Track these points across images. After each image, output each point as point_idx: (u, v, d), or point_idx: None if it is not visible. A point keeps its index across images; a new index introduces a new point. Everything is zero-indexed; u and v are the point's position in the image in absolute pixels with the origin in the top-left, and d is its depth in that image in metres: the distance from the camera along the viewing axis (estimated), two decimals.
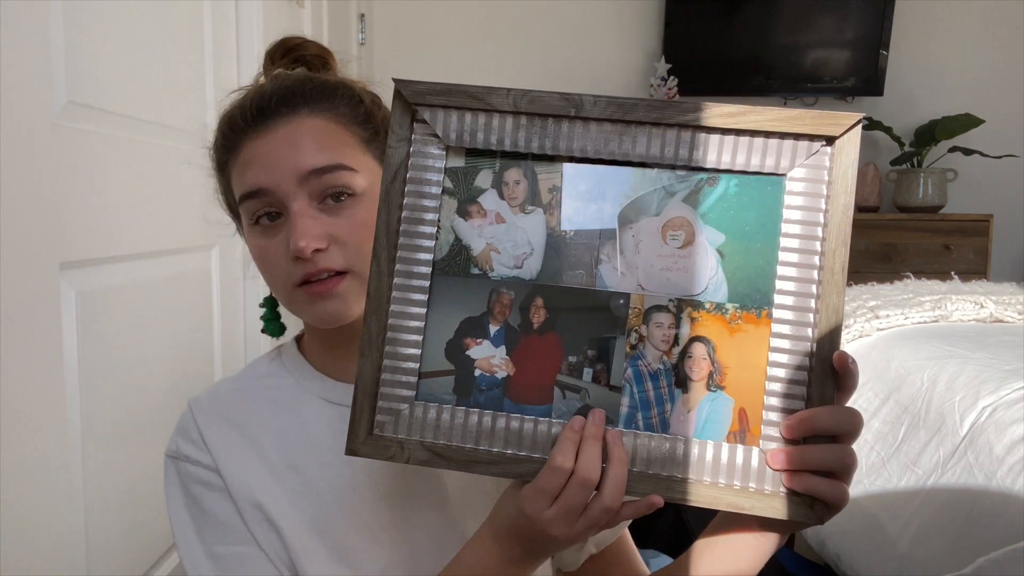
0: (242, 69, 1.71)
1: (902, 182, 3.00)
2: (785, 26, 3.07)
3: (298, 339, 0.77)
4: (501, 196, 0.55)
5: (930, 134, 2.94)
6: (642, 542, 0.82)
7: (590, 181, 0.55)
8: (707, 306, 0.53)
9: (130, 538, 1.23)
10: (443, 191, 0.56)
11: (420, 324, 0.55)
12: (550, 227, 0.55)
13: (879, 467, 1.17)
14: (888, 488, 1.13)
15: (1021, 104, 3.13)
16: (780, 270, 0.53)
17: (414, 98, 0.55)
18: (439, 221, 0.55)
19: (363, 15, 2.92)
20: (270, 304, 0.75)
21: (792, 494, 0.51)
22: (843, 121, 0.51)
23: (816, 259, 0.52)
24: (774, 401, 0.52)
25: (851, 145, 0.52)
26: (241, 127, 0.65)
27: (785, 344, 0.52)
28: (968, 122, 2.90)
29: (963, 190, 3.11)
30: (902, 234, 2.84)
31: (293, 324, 0.77)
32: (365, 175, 0.65)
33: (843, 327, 1.45)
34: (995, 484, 0.95)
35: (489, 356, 0.55)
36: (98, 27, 1.12)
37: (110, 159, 1.16)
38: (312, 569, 0.65)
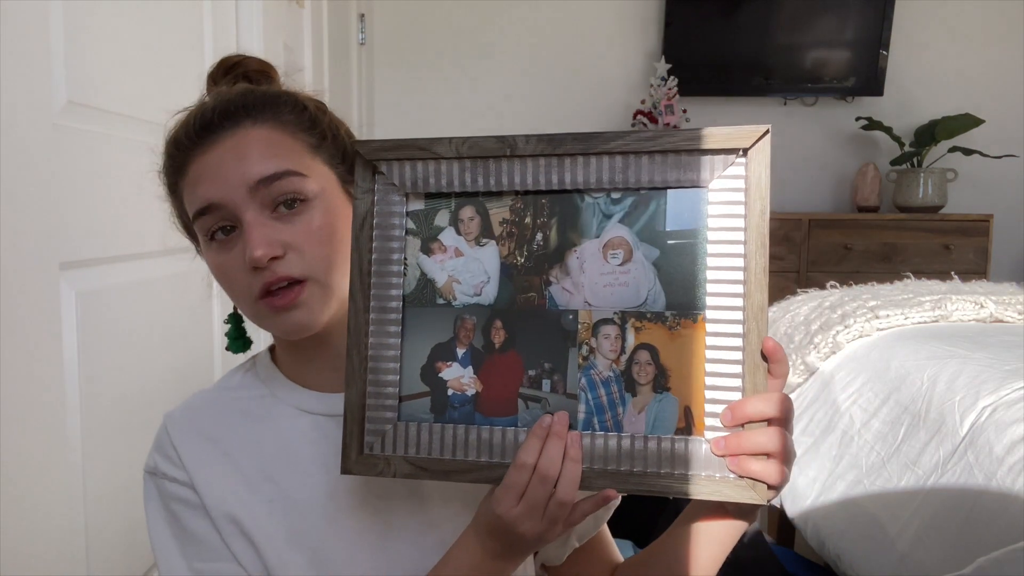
0: None
1: (902, 182, 3.01)
2: (785, 26, 3.07)
3: (271, 349, 0.76)
4: (458, 232, 0.62)
5: (930, 134, 2.94)
6: (643, 542, 0.83)
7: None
8: (648, 316, 0.59)
9: (130, 538, 1.23)
10: (406, 232, 0.62)
11: (396, 353, 0.62)
12: (503, 256, 0.61)
13: (879, 467, 1.17)
14: (888, 488, 1.13)
15: (1021, 104, 3.13)
16: (709, 275, 0.58)
17: (371, 155, 0.61)
18: (405, 259, 0.62)
19: (363, 15, 2.92)
20: (235, 320, 0.75)
21: (737, 478, 0.56)
22: (752, 134, 0.56)
23: (740, 262, 0.57)
24: (714, 395, 0.57)
25: (762, 154, 0.56)
26: (186, 145, 0.65)
27: (719, 342, 0.58)
28: (968, 122, 2.90)
29: (963, 190, 3.11)
30: (902, 234, 2.84)
31: (262, 337, 0.76)
32: (315, 179, 0.65)
33: (845, 325, 1.45)
34: (995, 484, 0.96)
35: (459, 376, 0.61)
36: (98, 27, 1.12)
37: (110, 159, 1.16)
38: None
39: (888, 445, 1.18)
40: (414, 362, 0.61)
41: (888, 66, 3.05)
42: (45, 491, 1.00)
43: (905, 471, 1.12)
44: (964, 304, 1.50)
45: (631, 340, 0.59)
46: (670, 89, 2.95)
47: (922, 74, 3.14)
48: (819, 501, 1.25)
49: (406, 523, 0.68)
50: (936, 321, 1.48)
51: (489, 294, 0.61)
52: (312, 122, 0.68)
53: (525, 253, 0.61)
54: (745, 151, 0.57)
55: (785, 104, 3.19)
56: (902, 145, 2.99)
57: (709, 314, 0.58)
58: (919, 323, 1.47)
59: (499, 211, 0.61)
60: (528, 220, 0.61)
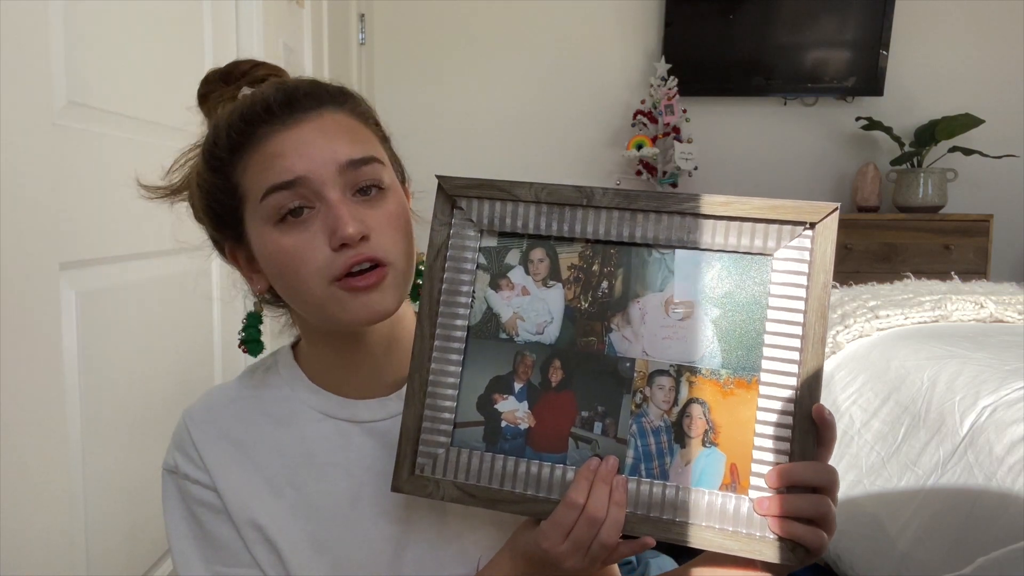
0: None
1: (902, 182, 3.00)
2: (785, 26, 3.07)
3: (293, 347, 0.75)
4: (527, 272, 0.64)
5: (930, 134, 2.94)
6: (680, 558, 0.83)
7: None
8: (703, 372, 0.60)
9: (130, 539, 1.23)
10: (477, 267, 0.65)
11: (456, 380, 0.64)
12: (568, 299, 0.63)
13: (879, 467, 1.17)
14: (888, 488, 1.13)
15: (1021, 104, 3.13)
16: (767, 339, 0.60)
17: (453, 191, 0.64)
18: (474, 292, 0.65)
19: (363, 15, 2.92)
20: (254, 321, 0.73)
21: (776, 539, 0.57)
22: (822, 209, 0.58)
23: (798, 329, 0.59)
24: (761, 456, 0.59)
25: (829, 229, 0.59)
26: (263, 119, 0.62)
27: (771, 405, 0.59)
28: (968, 122, 2.90)
29: (963, 190, 3.11)
30: (902, 234, 2.84)
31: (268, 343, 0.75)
32: (389, 170, 0.66)
33: (845, 325, 1.45)
34: (995, 484, 0.95)
35: (514, 410, 0.63)
36: (98, 27, 1.12)
37: (110, 159, 1.16)
38: None
39: (888, 445, 1.18)
40: (472, 391, 0.63)
41: (888, 66, 3.05)
42: (45, 491, 1.00)
43: (905, 471, 1.12)
44: (964, 304, 1.50)
45: (684, 393, 0.61)
46: (670, 89, 2.95)
47: (922, 74, 3.14)
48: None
49: (426, 533, 0.68)
50: (936, 321, 1.48)
51: (551, 334, 0.63)
52: (376, 119, 0.70)
53: (589, 299, 0.63)
54: (812, 225, 0.59)
55: (785, 104, 3.19)
56: (902, 145, 2.99)
57: (763, 376, 0.59)
58: (919, 323, 1.46)
59: (568, 256, 0.64)
60: (595, 267, 0.63)
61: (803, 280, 0.59)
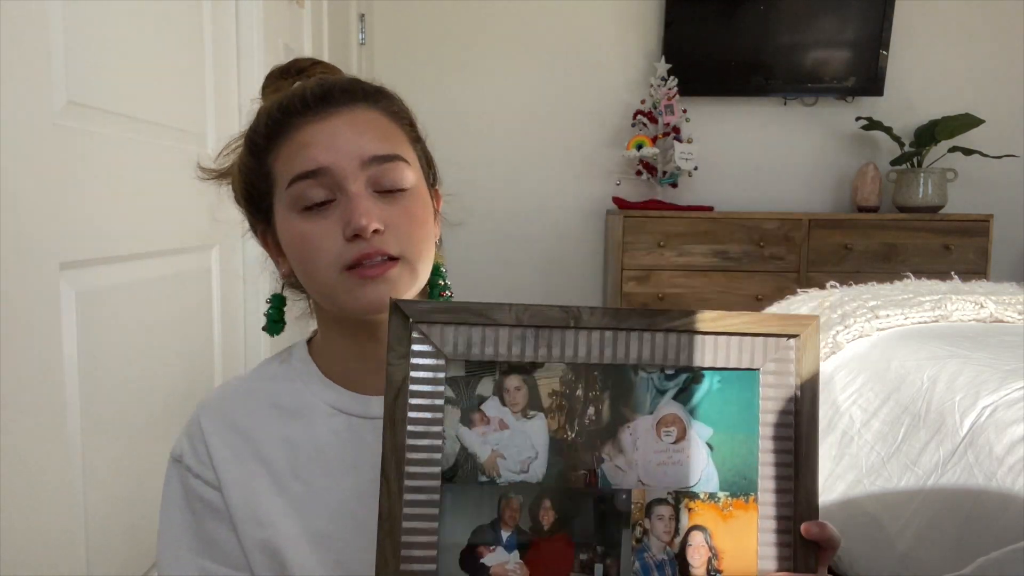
0: (242, 69, 1.71)
1: (902, 182, 3.00)
2: (785, 26, 3.07)
3: (308, 342, 0.76)
4: (503, 403, 0.57)
5: (930, 134, 2.94)
6: None
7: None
8: (702, 496, 0.58)
9: (130, 538, 1.23)
10: (445, 400, 0.57)
11: (433, 539, 0.56)
12: (552, 430, 0.57)
13: (879, 467, 1.17)
14: (888, 488, 1.13)
15: (1021, 104, 3.13)
16: (761, 456, 0.58)
17: (420, 316, 0.57)
18: (443, 432, 0.57)
19: (363, 15, 2.92)
20: (278, 302, 0.75)
21: None
22: (804, 321, 0.59)
23: (790, 444, 0.58)
24: None
25: (812, 340, 0.59)
26: (299, 110, 0.65)
27: (770, 524, 0.58)
28: (968, 122, 2.90)
29: (963, 190, 3.11)
30: (902, 234, 2.84)
31: (291, 330, 0.76)
32: (414, 171, 0.68)
33: (845, 325, 1.45)
34: (995, 484, 0.96)
35: (503, 562, 0.56)
36: (98, 27, 1.12)
37: (110, 159, 1.16)
38: None
39: (888, 445, 1.18)
40: (453, 547, 0.56)
41: (888, 66, 3.05)
42: (45, 491, 1.00)
43: (905, 471, 1.12)
44: (964, 304, 1.50)
45: (685, 521, 0.58)
46: (670, 89, 2.95)
47: (922, 74, 3.14)
48: (819, 501, 1.25)
49: None
50: (936, 321, 1.48)
51: (537, 471, 0.57)
52: (411, 119, 0.72)
53: (576, 428, 0.58)
54: (796, 336, 0.59)
55: (785, 104, 3.19)
56: (902, 145, 2.99)
57: (761, 496, 0.58)
58: (919, 323, 1.47)
59: (548, 382, 0.58)
60: (579, 392, 0.58)
61: (791, 392, 0.58)
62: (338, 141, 0.64)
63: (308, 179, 0.64)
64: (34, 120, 0.97)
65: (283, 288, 0.75)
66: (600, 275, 3.28)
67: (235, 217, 0.75)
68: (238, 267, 1.69)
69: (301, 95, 0.66)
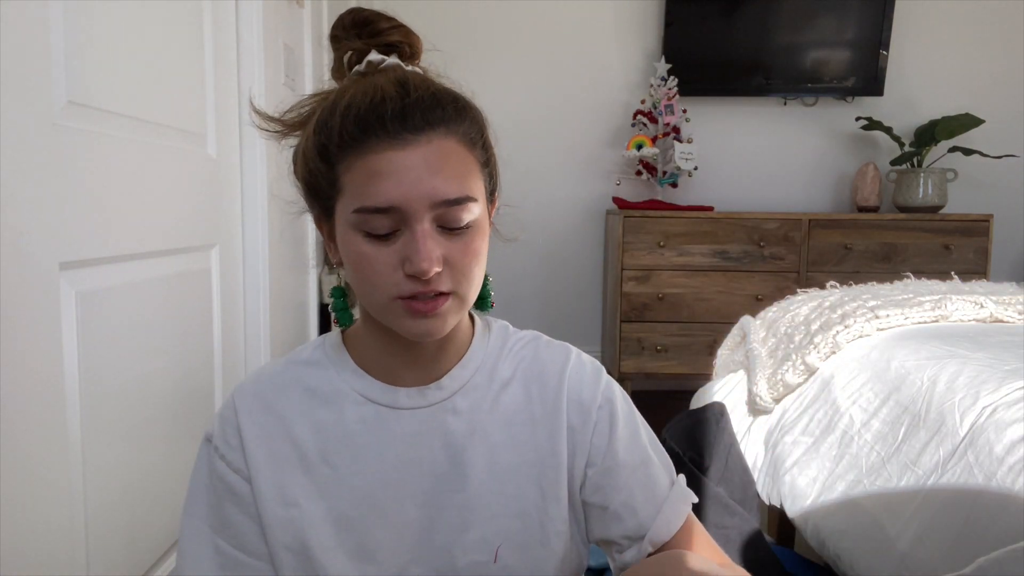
0: (242, 69, 1.71)
1: (902, 182, 3.01)
2: (785, 26, 3.07)
3: (342, 331, 0.78)
4: None
5: (930, 134, 2.94)
6: None
7: None
8: None
9: (130, 538, 1.23)
10: None
11: None
12: None
13: (879, 467, 1.17)
14: (888, 488, 1.13)
15: (1021, 104, 3.13)
16: None
17: None
18: None
19: None
20: (341, 294, 0.76)
21: None
22: None
23: None
24: None
25: None
26: (375, 129, 0.62)
27: None
28: (968, 122, 2.90)
29: (963, 190, 3.11)
30: (902, 234, 2.84)
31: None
32: (480, 202, 0.66)
33: (845, 325, 1.45)
34: (995, 484, 0.95)
35: None
36: (98, 27, 1.12)
37: (110, 159, 1.16)
38: (332, 565, 0.69)
39: (888, 445, 1.18)
40: None
41: (888, 66, 3.05)
42: (45, 491, 1.00)
43: (905, 471, 1.12)
44: (964, 304, 1.50)
45: None
46: (670, 89, 2.95)
47: (922, 74, 3.15)
48: (819, 501, 1.25)
49: (450, 519, 0.71)
50: (936, 321, 1.47)
51: None
52: (484, 138, 0.69)
53: None
54: None
55: (785, 104, 3.19)
56: (902, 145, 2.99)
57: None
58: (919, 323, 1.46)
59: None
60: None
61: None
62: (412, 179, 0.62)
63: (377, 214, 0.62)
64: (34, 120, 0.97)
65: (341, 280, 0.76)
66: (600, 275, 3.28)
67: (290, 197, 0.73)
68: (238, 267, 1.69)
69: (380, 114, 0.62)
